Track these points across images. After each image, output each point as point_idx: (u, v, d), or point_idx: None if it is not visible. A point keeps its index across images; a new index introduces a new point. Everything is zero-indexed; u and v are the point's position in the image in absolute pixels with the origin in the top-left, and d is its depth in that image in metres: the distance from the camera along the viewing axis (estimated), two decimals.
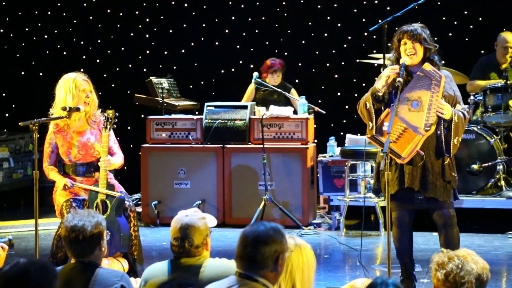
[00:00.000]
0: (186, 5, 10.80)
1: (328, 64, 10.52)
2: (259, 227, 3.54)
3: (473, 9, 10.09)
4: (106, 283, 4.17)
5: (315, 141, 9.12)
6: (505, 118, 8.49)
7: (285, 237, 3.57)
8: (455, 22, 10.11)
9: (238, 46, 10.70)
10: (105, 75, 10.89)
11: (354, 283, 4.12)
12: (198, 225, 4.24)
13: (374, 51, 9.24)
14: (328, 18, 10.47)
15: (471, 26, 10.10)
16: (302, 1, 10.54)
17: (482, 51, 9.61)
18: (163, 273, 4.21)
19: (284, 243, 3.55)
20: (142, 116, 9.84)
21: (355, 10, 10.37)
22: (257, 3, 10.63)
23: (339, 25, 10.46)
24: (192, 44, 10.81)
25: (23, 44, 11.11)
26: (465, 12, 10.12)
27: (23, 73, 11.14)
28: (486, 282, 3.68)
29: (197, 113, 9.62)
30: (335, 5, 10.44)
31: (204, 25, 10.78)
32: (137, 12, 10.89)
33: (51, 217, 8.26)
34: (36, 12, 11.06)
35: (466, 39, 10.10)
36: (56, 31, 11.04)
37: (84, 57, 11.00)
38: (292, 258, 3.88)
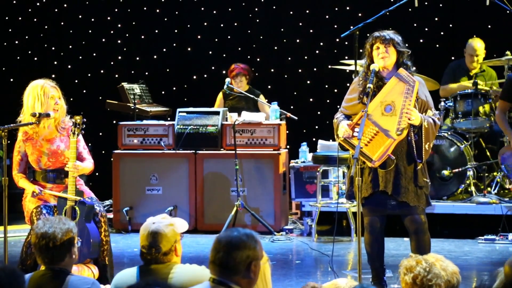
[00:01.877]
0: (158, 10, 10.78)
1: (300, 70, 10.55)
2: (233, 233, 3.54)
3: (444, 16, 10.18)
4: None
5: (287, 147, 9.13)
6: (475, 124, 8.56)
7: (259, 244, 3.56)
8: (426, 29, 10.19)
9: (210, 52, 10.70)
10: (76, 81, 10.84)
11: (336, 282, 4.09)
12: (165, 232, 4.24)
13: (346, 57, 9.29)
14: (300, 24, 10.51)
15: (442, 33, 10.18)
16: (274, 7, 10.56)
17: (453, 58, 9.68)
18: (132, 279, 4.20)
19: (258, 250, 3.54)
20: (114, 122, 9.80)
21: (327, 17, 10.41)
22: (230, 9, 10.64)
23: (311, 31, 10.49)
24: (164, 49, 10.79)
25: None
26: (436, 19, 10.20)
27: None
28: (457, 286, 3.71)
29: (169, 119, 9.60)
30: (307, 11, 10.48)
31: (176, 30, 10.77)
32: (108, 18, 10.86)
33: (20, 223, 8.19)
34: (7, 18, 10.98)
35: (437, 45, 10.17)
36: (27, 37, 10.97)
37: (55, 62, 10.94)
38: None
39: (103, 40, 10.87)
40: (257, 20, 10.64)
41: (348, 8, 10.32)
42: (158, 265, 4.22)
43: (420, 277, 3.55)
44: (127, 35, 10.86)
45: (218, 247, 3.51)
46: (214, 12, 10.69)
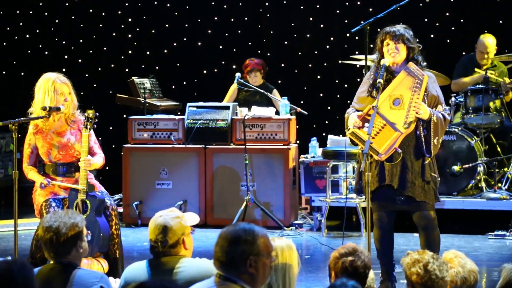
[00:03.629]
0: (168, 5, 10.78)
1: (310, 65, 10.54)
2: (232, 228, 3.53)
3: (455, 11, 10.14)
4: (85, 284, 4.15)
5: (297, 142, 9.13)
6: (485, 120, 8.54)
7: (260, 238, 3.50)
8: (437, 24, 10.16)
9: (220, 47, 10.70)
10: (87, 75, 10.86)
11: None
12: (171, 224, 4.24)
13: (357, 52, 9.27)
14: (311, 19, 10.49)
15: (453, 28, 10.15)
16: (284, 2, 10.55)
17: (464, 53, 9.65)
18: (142, 273, 4.21)
19: (258, 245, 3.48)
20: (124, 116, 9.81)
21: (338, 11, 10.40)
22: (240, 4, 10.64)
23: (321, 26, 10.48)
24: (175, 44, 10.80)
25: (4, 44, 11.06)
26: (447, 14, 10.16)
27: (4, 72, 11.09)
28: (474, 285, 3.72)
29: (179, 113, 9.61)
30: (318, 6, 10.46)
31: (186, 25, 10.77)
32: (119, 12, 10.87)
33: (30, 217, 8.22)
34: (18, 12, 11.01)
35: (448, 40, 10.15)
36: (38, 31, 11.00)
37: (66, 57, 10.96)
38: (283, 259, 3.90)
39: (114, 34, 10.88)
40: (268, 15, 10.63)
41: (358, 3, 10.31)
42: (166, 258, 4.22)
43: (431, 264, 3.58)
44: (137, 29, 10.87)
45: (217, 242, 3.52)
46: (225, 6, 10.68)
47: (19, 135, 5.94)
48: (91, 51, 10.92)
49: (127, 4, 10.85)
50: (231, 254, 3.46)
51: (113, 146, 10.25)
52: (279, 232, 8.31)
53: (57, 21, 10.98)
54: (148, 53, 10.86)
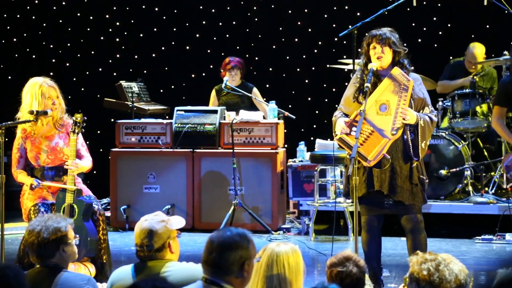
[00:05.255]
0: (156, 9, 10.78)
1: (298, 69, 10.56)
2: (225, 233, 3.55)
3: (442, 16, 10.18)
4: (73, 286, 4.16)
5: (285, 146, 9.13)
6: (472, 124, 8.57)
7: (251, 243, 3.57)
8: (424, 28, 10.19)
9: (208, 51, 10.70)
10: (74, 79, 10.84)
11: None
12: (156, 228, 4.24)
13: (344, 57, 9.29)
14: (299, 23, 10.51)
15: (440, 32, 10.18)
16: (273, 6, 10.56)
17: (451, 57, 9.69)
18: (128, 277, 4.21)
19: (250, 249, 3.55)
20: (112, 120, 9.80)
21: (326, 16, 10.42)
22: (228, 8, 10.64)
23: (309, 30, 10.50)
24: (163, 48, 10.79)
25: None
26: (434, 18, 10.20)
27: None
28: (464, 284, 3.76)
29: (167, 117, 9.60)
30: (306, 10, 10.48)
31: (174, 29, 10.77)
32: (107, 16, 10.86)
33: (18, 221, 8.20)
34: (5, 15, 10.98)
35: (435, 45, 10.18)
36: (25, 34, 10.97)
37: (53, 60, 10.94)
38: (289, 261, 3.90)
39: (102, 38, 10.87)
40: (256, 19, 10.64)
41: (346, 7, 10.33)
42: (152, 262, 4.22)
43: (442, 265, 3.62)
44: (125, 33, 10.86)
45: (211, 248, 3.52)
46: (213, 10, 10.69)
47: (6, 139, 5.93)
48: (79, 55, 10.90)
49: (115, 8, 10.84)
50: (230, 261, 3.50)
51: (101, 150, 10.23)
52: (267, 236, 8.31)
53: (44, 24, 10.95)
54: (136, 57, 10.85)
